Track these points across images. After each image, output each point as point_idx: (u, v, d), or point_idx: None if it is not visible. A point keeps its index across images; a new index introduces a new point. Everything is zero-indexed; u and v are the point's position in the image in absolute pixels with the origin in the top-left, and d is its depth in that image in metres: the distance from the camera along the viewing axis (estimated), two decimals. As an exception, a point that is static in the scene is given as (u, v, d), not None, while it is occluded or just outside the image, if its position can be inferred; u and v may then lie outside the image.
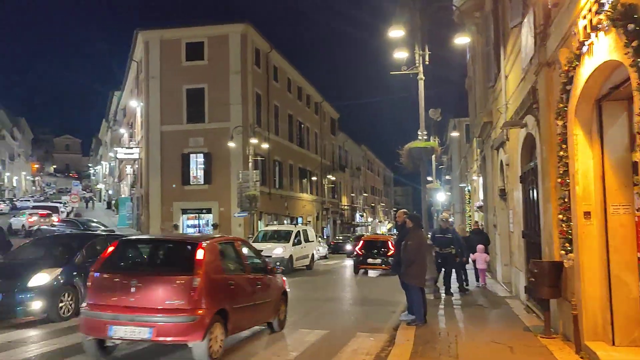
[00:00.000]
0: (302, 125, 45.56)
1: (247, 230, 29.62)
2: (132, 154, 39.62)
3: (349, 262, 29.18)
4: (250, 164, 30.82)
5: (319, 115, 51.29)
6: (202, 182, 33.04)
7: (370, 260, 21.27)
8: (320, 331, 9.22)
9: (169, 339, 6.70)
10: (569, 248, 6.96)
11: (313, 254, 23.58)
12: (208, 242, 7.50)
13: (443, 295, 12.86)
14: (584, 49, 6.09)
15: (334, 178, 55.22)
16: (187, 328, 6.60)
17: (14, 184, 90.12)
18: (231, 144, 30.39)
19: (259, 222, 32.86)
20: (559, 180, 7.14)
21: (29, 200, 62.56)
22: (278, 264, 16.77)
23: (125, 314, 6.69)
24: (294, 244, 21.01)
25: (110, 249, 7.59)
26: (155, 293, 6.81)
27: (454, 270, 13.81)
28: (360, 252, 21.70)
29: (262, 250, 16.77)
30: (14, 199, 69.28)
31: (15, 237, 31.68)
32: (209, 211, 32.80)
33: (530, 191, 10.14)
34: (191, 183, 33.16)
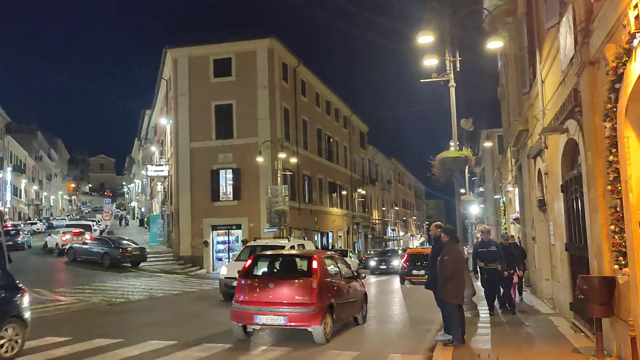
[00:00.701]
0: (331, 139, 45.21)
1: (277, 246, 29.20)
2: (162, 171, 39.80)
3: (373, 279, 28.61)
4: (279, 179, 30.55)
5: (348, 129, 50.90)
6: (232, 198, 32.86)
7: (415, 272, 22.92)
8: (350, 352, 8.73)
9: (296, 324, 9.33)
10: (623, 262, 6.33)
11: None
12: (319, 254, 10.45)
13: (483, 313, 12.18)
14: (635, 42, 5.54)
15: (364, 192, 54.59)
16: (309, 316, 9.24)
17: (51, 203, 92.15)
18: (260, 159, 30.19)
19: (289, 237, 32.49)
20: (609, 187, 6.52)
21: (64, 219, 63.70)
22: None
23: (266, 307, 9.40)
24: None
25: (249, 262, 10.49)
26: (286, 291, 9.47)
27: (499, 286, 12.79)
28: (405, 265, 23.67)
29: None
30: (51, 218, 70.77)
31: (50, 255, 32.21)
32: (238, 227, 32.55)
33: (574, 201, 9.49)
34: (220, 199, 33.01)
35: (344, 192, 47.79)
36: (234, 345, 9.35)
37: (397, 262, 34.20)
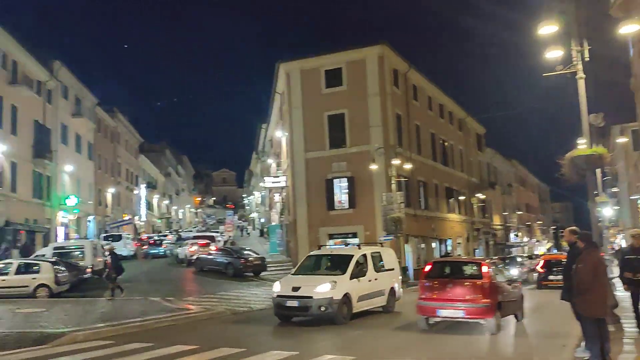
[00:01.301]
0: (446, 143, 43.93)
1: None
2: (279, 182, 40.87)
3: None
4: (393, 186, 30.10)
5: (463, 132, 49.21)
6: (347, 207, 32.90)
7: (551, 277, 24.12)
8: (479, 368, 8.20)
9: (472, 317, 11.40)
10: None
11: (394, 289, 16.28)
12: (487, 261, 12.79)
13: (629, 328, 10.90)
14: None
15: (483, 196, 52.37)
16: (484, 311, 11.25)
17: (180, 217, 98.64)
18: (373, 167, 29.98)
19: (405, 245, 31.89)
20: None
21: (191, 231, 67.79)
22: (323, 308, 13.32)
23: (447, 302, 11.50)
24: (353, 276, 14.39)
25: (428, 267, 12.85)
26: (463, 290, 11.53)
27: None
28: (542, 270, 25.40)
29: (299, 288, 13.86)
30: (180, 230, 75.72)
31: (181, 266, 34.29)
32: (354, 235, 32.44)
33: None
34: (336, 208, 33.15)
35: (461, 198, 46.21)
36: (357, 358, 9.16)
37: (516, 271, 31.78)
